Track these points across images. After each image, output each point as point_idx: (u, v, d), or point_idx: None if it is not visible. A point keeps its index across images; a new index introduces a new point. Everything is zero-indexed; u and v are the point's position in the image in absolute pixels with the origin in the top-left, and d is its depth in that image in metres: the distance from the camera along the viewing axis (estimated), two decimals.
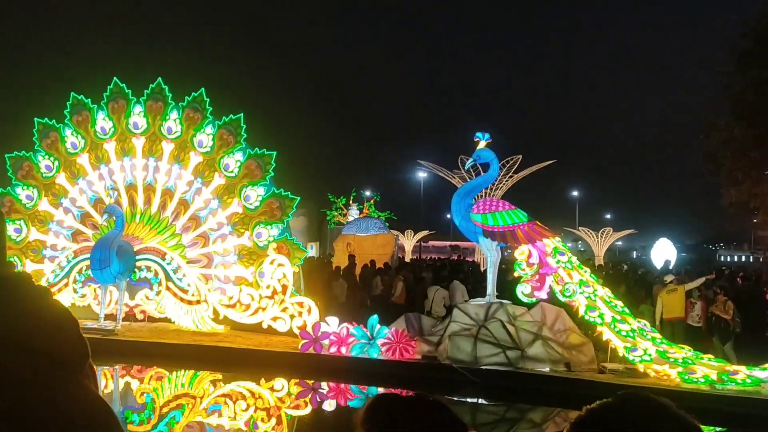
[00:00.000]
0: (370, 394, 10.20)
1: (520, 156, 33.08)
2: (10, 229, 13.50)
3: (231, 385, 10.50)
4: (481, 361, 9.96)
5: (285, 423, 8.96)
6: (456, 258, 31.41)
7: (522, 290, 10.57)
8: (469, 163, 11.49)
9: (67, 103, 13.47)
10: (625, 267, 27.32)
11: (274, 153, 12.48)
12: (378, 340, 10.54)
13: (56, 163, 13.53)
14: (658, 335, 10.12)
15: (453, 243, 46.05)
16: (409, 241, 38.44)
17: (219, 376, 10.89)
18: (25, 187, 13.63)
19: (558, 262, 10.48)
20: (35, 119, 13.63)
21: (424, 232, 38.03)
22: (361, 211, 35.79)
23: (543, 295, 10.54)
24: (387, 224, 26.68)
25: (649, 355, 9.57)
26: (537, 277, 10.53)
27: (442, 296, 13.61)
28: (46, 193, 13.58)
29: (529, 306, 10.83)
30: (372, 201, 37.53)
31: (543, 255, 10.57)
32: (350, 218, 35.26)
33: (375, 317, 10.78)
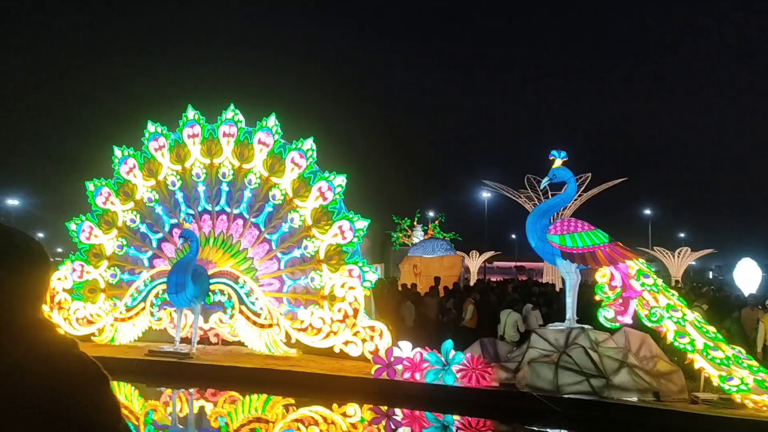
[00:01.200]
0: (446, 422, 9.89)
1: (590, 174, 32.16)
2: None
3: (303, 410, 10.39)
4: (563, 390, 9.48)
5: None
6: (525, 279, 30.66)
7: (605, 315, 10.06)
8: (544, 182, 11.12)
9: (145, 131, 13.90)
10: (705, 287, 25.94)
11: (345, 175, 12.45)
12: (453, 366, 10.23)
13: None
14: (755, 363, 9.40)
15: (518, 264, 45.08)
16: (474, 262, 37.83)
17: (291, 400, 10.80)
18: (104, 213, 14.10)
19: (643, 285, 9.94)
20: (113, 146, 14.11)
21: (490, 253, 37.37)
22: (425, 232, 35.51)
23: (627, 319, 10.00)
24: (453, 245, 26.32)
25: (746, 384, 8.89)
26: (620, 300, 10.02)
27: (515, 320, 13.15)
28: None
29: (612, 331, 10.29)
30: (437, 222, 37.19)
31: (626, 277, 10.05)
32: (415, 239, 35.03)
33: (450, 342, 10.48)
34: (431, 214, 40.54)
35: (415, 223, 36.98)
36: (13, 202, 51.76)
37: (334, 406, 10.39)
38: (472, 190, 48.13)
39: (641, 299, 9.86)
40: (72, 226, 14.20)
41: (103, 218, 14.06)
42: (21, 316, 1.08)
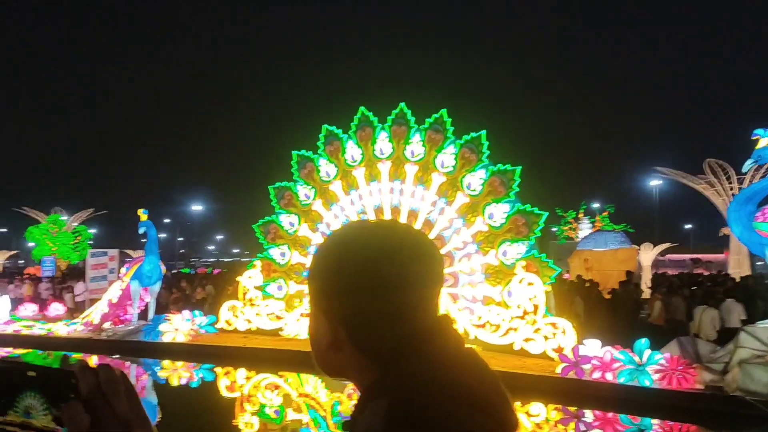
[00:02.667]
0: (642, 426, 9.25)
1: None
2: (276, 253, 14.89)
3: None
4: None
5: None
6: (714, 273, 28.09)
7: None
8: (747, 164, 9.99)
9: (320, 135, 14.54)
10: None
11: (518, 168, 12.14)
12: (648, 366, 9.53)
13: (313, 191, 14.64)
14: None
15: (694, 256, 41.49)
16: (647, 255, 35.37)
17: None
18: (287, 215, 14.94)
19: None
20: (293, 152, 14.92)
21: (665, 245, 34.68)
22: (593, 224, 33.77)
23: None
24: (627, 237, 24.79)
25: None
26: None
27: (711, 317, 12.04)
28: (305, 219, 14.74)
29: None
30: (605, 213, 35.19)
31: None
32: (580, 232, 33.49)
33: (645, 341, 9.78)
34: (596, 205, 38.49)
35: (580, 215, 35.29)
36: (197, 208, 57.10)
37: (517, 405, 10.12)
38: (641, 178, 45.00)
39: None
40: (261, 228, 15.22)
41: (287, 219, 14.92)
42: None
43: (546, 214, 11.88)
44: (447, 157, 12.85)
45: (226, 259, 72.52)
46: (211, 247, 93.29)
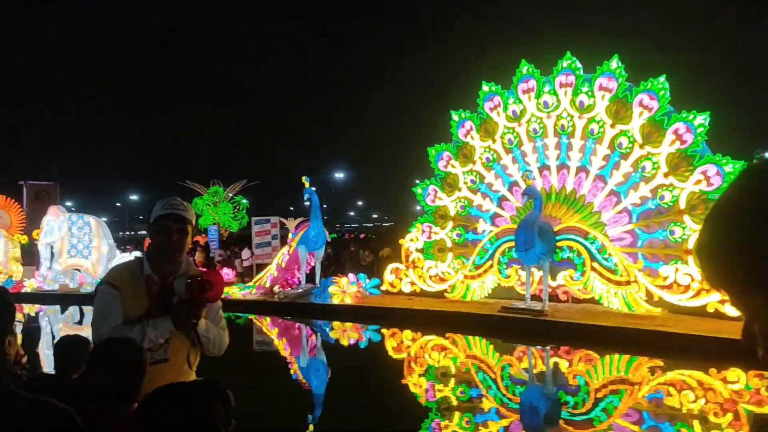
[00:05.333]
0: None
1: None
2: (438, 216, 14.76)
3: (673, 373, 9.48)
4: None
5: (744, 419, 7.60)
6: None
7: None
8: None
9: (479, 92, 14.05)
10: None
11: (707, 114, 10.96)
12: None
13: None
14: None
15: None
16: None
17: (659, 362, 9.96)
18: (445, 176, 14.71)
19: None
20: (451, 111, 14.58)
21: None
22: None
23: None
24: None
25: None
26: None
27: None
28: (465, 180, 14.44)
29: None
30: None
31: None
32: None
33: None
34: None
35: None
36: (339, 175, 58.84)
37: (712, 370, 9.27)
38: None
39: None
40: (419, 190, 15.13)
41: (446, 181, 14.69)
42: None
43: (742, 163, 10.65)
44: (621, 106, 11.89)
45: (367, 225, 74.37)
46: (351, 213, 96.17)
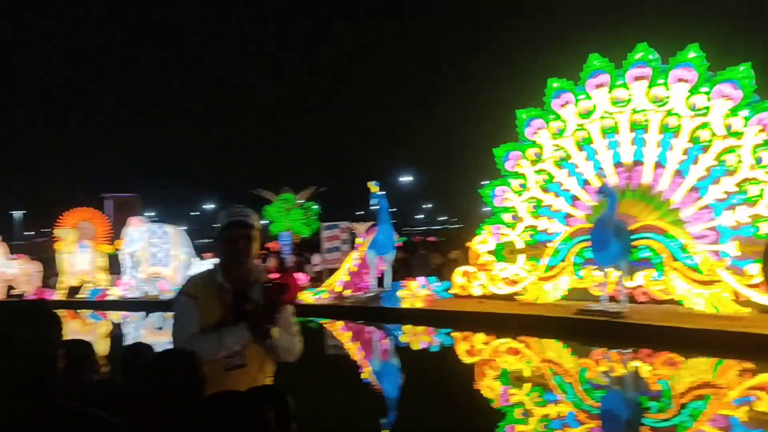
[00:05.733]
0: None
1: None
2: (508, 216, 14.53)
3: (764, 375, 8.94)
4: None
5: None
6: None
7: None
8: None
9: (546, 90, 13.74)
10: None
11: None
12: None
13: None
14: None
15: None
16: None
17: (750, 365, 9.41)
18: (515, 178, 14.44)
19: None
20: (517, 111, 14.32)
21: None
22: None
23: None
24: None
25: None
26: None
27: None
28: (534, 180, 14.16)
29: None
30: None
31: None
32: None
33: None
34: None
35: None
36: (406, 178, 58.97)
37: None
38: None
39: None
40: (486, 191, 14.93)
41: (514, 181, 14.43)
42: None
43: None
44: (701, 97, 11.37)
45: (435, 227, 74.11)
46: (419, 216, 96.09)
